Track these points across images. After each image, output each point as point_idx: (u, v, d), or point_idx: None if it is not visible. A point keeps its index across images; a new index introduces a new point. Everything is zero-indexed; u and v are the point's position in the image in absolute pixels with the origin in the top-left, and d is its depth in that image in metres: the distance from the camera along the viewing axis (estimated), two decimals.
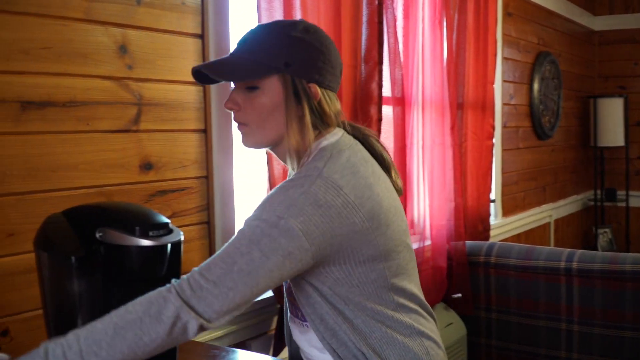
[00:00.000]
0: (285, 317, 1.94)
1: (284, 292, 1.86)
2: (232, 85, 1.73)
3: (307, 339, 1.78)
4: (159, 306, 1.44)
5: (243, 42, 1.68)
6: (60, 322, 1.65)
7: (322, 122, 1.68)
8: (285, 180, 1.61)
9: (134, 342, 1.40)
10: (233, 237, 1.55)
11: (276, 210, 1.52)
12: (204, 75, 1.69)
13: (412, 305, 1.75)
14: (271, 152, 1.79)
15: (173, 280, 1.51)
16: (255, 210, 1.57)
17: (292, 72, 1.62)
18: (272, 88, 1.64)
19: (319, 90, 1.65)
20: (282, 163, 1.79)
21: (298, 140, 1.64)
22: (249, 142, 1.72)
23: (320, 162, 1.61)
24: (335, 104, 1.70)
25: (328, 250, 1.56)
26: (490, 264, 3.57)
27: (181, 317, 1.44)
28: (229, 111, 1.71)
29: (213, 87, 2.39)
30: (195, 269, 1.52)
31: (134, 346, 1.40)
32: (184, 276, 1.51)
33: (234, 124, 2.43)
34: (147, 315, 1.42)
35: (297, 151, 1.65)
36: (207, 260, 1.52)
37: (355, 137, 1.77)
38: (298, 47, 1.63)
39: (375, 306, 1.67)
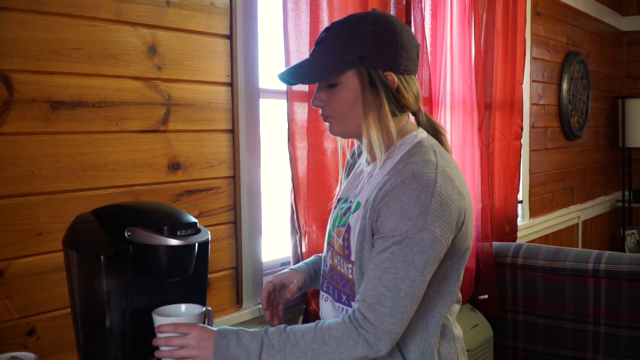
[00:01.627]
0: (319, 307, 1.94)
1: (321, 281, 1.89)
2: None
3: None
4: (349, 347, 1.58)
5: (319, 43, 1.73)
6: (88, 321, 1.66)
7: (400, 106, 1.72)
8: (401, 179, 1.61)
9: None
10: (382, 258, 1.58)
11: (417, 222, 1.57)
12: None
13: (457, 307, 1.83)
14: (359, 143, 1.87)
15: (352, 315, 1.60)
16: (391, 222, 1.59)
17: (367, 65, 1.67)
18: (350, 82, 1.68)
19: (395, 78, 1.68)
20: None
21: (378, 129, 1.69)
22: (334, 131, 1.78)
23: (430, 156, 1.67)
24: (413, 87, 1.74)
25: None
26: (518, 266, 3.55)
27: (367, 357, 1.59)
28: (316, 108, 1.77)
29: (241, 88, 2.39)
30: (363, 304, 1.58)
31: None
32: (359, 313, 1.59)
33: (262, 125, 2.45)
34: (338, 351, 1.58)
35: (379, 139, 1.69)
36: (370, 292, 1.58)
37: (431, 131, 1.82)
38: (370, 39, 1.67)
39: (437, 303, 1.73)
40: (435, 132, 1.83)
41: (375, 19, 1.69)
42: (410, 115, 1.83)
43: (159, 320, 1.64)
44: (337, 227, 1.81)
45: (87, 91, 1.96)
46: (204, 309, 1.71)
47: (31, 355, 1.55)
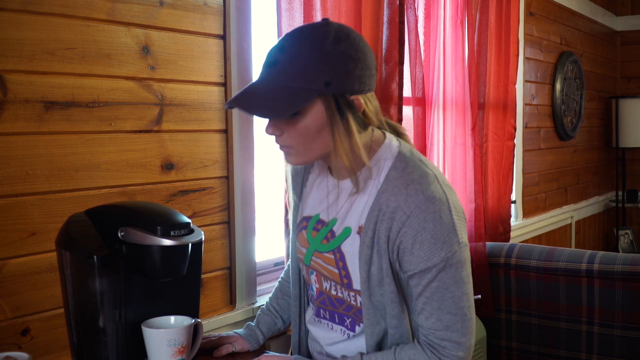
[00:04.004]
0: (299, 329, 1.94)
1: (315, 306, 1.85)
2: None
3: (342, 348, 1.78)
4: None
5: (273, 64, 1.55)
6: (82, 321, 1.67)
7: (365, 124, 1.63)
8: (415, 206, 1.57)
9: None
10: (432, 289, 1.59)
11: (451, 243, 1.57)
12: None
13: None
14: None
15: (426, 344, 1.62)
16: (425, 252, 1.57)
17: (334, 90, 1.53)
18: (316, 110, 1.55)
19: (362, 100, 1.58)
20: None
21: (348, 152, 1.59)
22: (294, 161, 1.64)
23: (421, 167, 1.63)
24: (374, 103, 1.65)
25: None
26: (511, 266, 3.56)
27: None
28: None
29: (234, 88, 2.39)
30: (435, 335, 1.60)
31: None
32: (434, 343, 1.61)
33: (255, 125, 2.45)
34: None
35: (351, 163, 1.62)
36: (436, 324, 1.60)
37: (393, 134, 1.77)
38: (335, 61, 1.52)
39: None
40: (398, 134, 1.77)
41: (337, 37, 1.54)
42: None
43: (148, 332, 1.65)
44: (320, 252, 1.74)
45: (81, 91, 1.96)
46: (193, 320, 1.71)
47: (25, 355, 1.55)
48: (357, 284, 1.67)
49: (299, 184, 1.89)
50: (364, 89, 1.57)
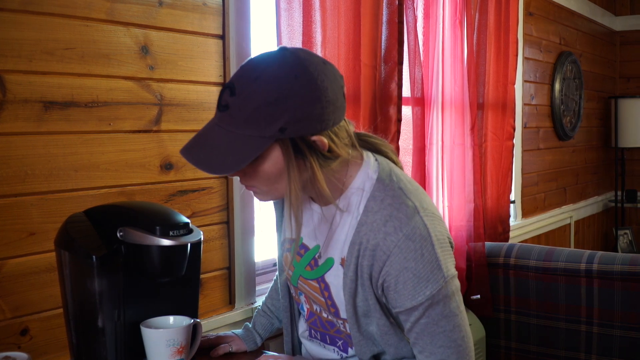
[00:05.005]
0: (291, 340, 1.92)
1: (307, 326, 1.83)
2: None
3: None
4: None
5: (225, 108, 1.45)
6: (81, 321, 1.67)
7: (335, 157, 1.52)
8: (395, 245, 1.51)
9: None
10: (421, 326, 1.55)
11: (436, 280, 1.51)
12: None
13: None
14: None
15: None
16: (409, 291, 1.52)
17: (290, 135, 1.42)
18: (273, 156, 1.46)
19: (325, 139, 1.47)
20: None
21: (313, 192, 1.58)
22: (262, 199, 1.59)
23: (401, 198, 1.54)
24: (344, 135, 1.54)
25: None
26: (510, 266, 3.56)
27: None
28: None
29: None
30: None
31: None
32: None
33: None
34: None
35: (316, 198, 1.62)
36: (429, 354, 1.56)
37: (370, 149, 1.68)
38: (291, 104, 1.40)
39: None
40: (377, 151, 1.68)
41: (291, 73, 1.41)
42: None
43: (147, 332, 1.65)
44: (306, 278, 1.71)
45: (80, 91, 1.96)
46: (192, 321, 1.71)
47: (24, 355, 1.55)
48: (343, 313, 1.65)
49: (281, 203, 1.84)
50: (327, 126, 1.46)
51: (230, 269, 2.47)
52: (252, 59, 1.49)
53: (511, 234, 4.35)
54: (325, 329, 1.75)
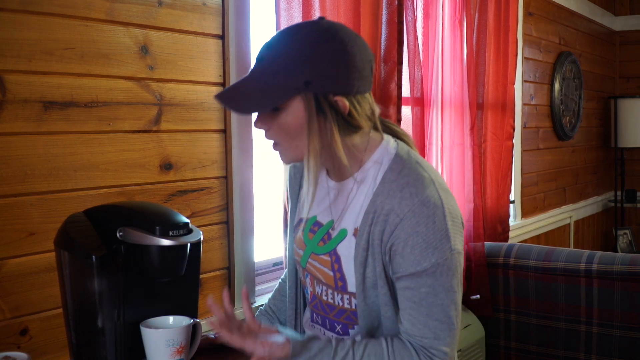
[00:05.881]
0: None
1: (310, 310, 1.84)
2: None
3: None
4: None
5: (260, 60, 1.56)
6: (80, 321, 1.67)
7: (354, 127, 1.58)
8: (409, 209, 1.54)
9: None
10: (421, 294, 1.55)
11: (443, 248, 1.53)
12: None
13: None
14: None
15: (414, 347, 1.58)
16: (416, 256, 1.54)
17: (314, 90, 1.50)
18: (295, 109, 1.53)
19: (346, 102, 1.53)
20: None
21: (330, 155, 1.60)
22: (285, 160, 1.63)
23: (418, 170, 1.59)
24: (366, 108, 1.59)
25: None
26: (510, 265, 3.56)
27: None
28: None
29: None
30: (421, 342, 1.56)
31: None
32: (420, 348, 1.56)
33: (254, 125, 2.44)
34: None
35: (332, 164, 1.64)
36: (423, 330, 1.56)
37: (392, 135, 1.73)
38: (318, 61, 1.50)
39: None
40: (397, 137, 1.73)
41: (324, 35, 1.52)
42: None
43: (147, 332, 1.65)
44: (317, 254, 1.72)
45: (79, 91, 1.96)
46: (192, 321, 1.71)
47: (24, 355, 1.55)
48: (351, 287, 1.66)
49: (297, 185, 1.88)
50: (350, 91, 1.54)
51: (229, 269, 2.47)
52: (294, 24, 1.64)
53: (511, 234, 4.35)
54: (325, 312, 1.75)
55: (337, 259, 1.67)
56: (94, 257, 1.60)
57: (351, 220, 1.65)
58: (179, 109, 2.25)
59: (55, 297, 1.86)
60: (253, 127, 2.44)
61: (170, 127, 2.22)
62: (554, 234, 5.40)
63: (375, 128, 1.66)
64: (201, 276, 2.14)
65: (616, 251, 6.40)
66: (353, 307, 1.69)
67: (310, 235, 1.75)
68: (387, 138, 1.69)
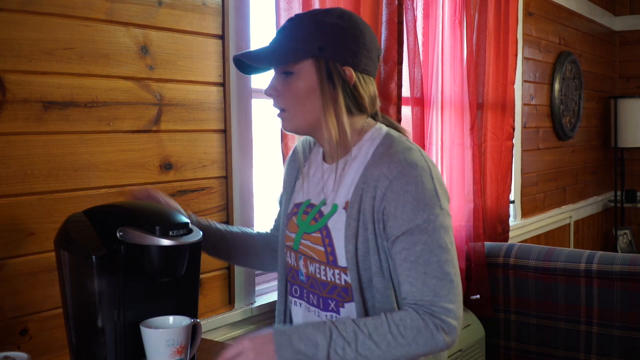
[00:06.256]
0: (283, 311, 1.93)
1: (290, 287, 1.87)
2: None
3: None
4: (426, 338, 1.56)
5: (280, 31, 1.71)
6: (80, 321, 1.66)
7: (357, 105, 1.71)
8: (398, 170, 1.62)
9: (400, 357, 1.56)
10: (416, 253, 1.58)
11: (433, 205, 1.60)
12: (244, 65, 1.75)
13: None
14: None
15: (417, 312, 1.57)
16: (407, 214, 1.59)
17: (326, 56, 1.65)
18: (307, 72, 1.66)
19: (353, 73, 1.66)
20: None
21: (334, 124, 1.68)
22: (288, 126, 1.75)
23: (407, 143, 1.70)
24: (370, 88, 1.72)
25: None
26: (510, 265, 3.56)
27: (441, 348, 1.59)
28: (269, 98, 1.74)
29: (233, 88, 2.40)
30: (422, 303, 1.58)
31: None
32: (423, 310, 1.57)
33: (254, 125, 2.45)
34: (415, 342, 1.55)
35: (337, 134, 1.69)
36: (423, 289, 1.57)
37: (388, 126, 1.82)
38: (331, 31, 1.65)
39: None
40: (393, 128, 1.81)
41: (340, 14, 1.69)
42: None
43: (146, 332, 1.64)
44: (308, 233, 1.76)
45: (79, 91, 1.96)
46: (192, 320, 1.71)
47: (24, 355, 1.54)
48: (342, 261, 1.69)
49: (293, 177, 1.92)
50: (358, 65, 1.68)
51: (229, 269, 2.47)
52: None
53: (511, 234, 4.35)
54: (320, 291, 1.77)
55: (328, 234, 1.71)
56: (93, 257, 1.59)
57: (342, 194, 1.71)
58: (179, 109, 2.25)
59: (55, 297, 1.86)
60: (252, 127, 2.47)
61: (170, 127, 2.22)
62: (554, 234, 5.40)
63: (375, 118, 1.78)
64: (201, 276, 2.14)
65: (616, 251, 6.40)
66: (343, 283, 1.71)
67: (304, 216, 1.80)
68: (381, 125, 1.78)
